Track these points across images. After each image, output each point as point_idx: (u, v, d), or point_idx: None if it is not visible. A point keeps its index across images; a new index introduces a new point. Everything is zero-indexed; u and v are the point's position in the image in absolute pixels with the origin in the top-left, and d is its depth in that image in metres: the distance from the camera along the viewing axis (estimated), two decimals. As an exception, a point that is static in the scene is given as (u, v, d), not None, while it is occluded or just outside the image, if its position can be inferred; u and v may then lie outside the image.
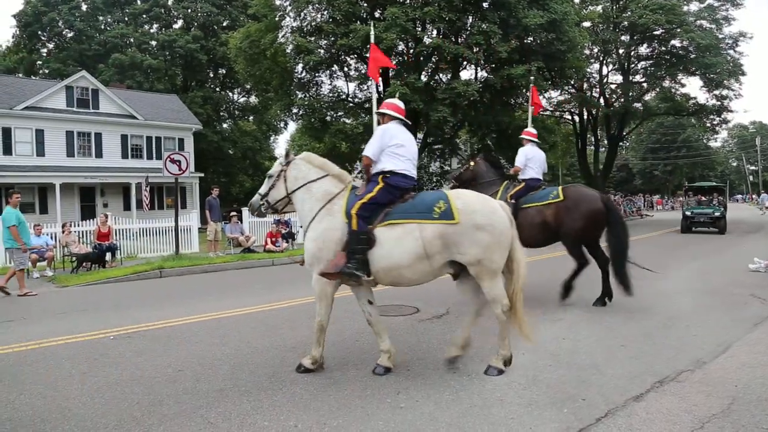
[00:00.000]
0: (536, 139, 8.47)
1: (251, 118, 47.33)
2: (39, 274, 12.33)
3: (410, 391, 4.35)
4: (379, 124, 5.30)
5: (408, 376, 4.71)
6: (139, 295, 9.70)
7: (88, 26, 40.58)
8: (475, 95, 20.28)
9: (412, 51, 22.54)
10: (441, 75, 23.39)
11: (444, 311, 7.30)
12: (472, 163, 8.68)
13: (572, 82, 31.43)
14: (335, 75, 24.58)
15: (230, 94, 47.05)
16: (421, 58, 22.45)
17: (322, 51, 22.31)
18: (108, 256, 13.70)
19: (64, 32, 41.27)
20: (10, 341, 6.27)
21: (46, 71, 40.61)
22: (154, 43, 41.69)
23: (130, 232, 16.83)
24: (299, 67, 23.71)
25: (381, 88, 23.86)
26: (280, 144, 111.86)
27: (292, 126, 44.66)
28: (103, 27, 42.17)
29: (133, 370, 5.06)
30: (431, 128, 23.63)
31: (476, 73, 24.03)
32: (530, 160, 8.04)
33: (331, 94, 25.50)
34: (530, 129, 8.90)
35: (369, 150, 4.89)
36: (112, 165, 28.70)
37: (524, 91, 23.47)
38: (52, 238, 13.90)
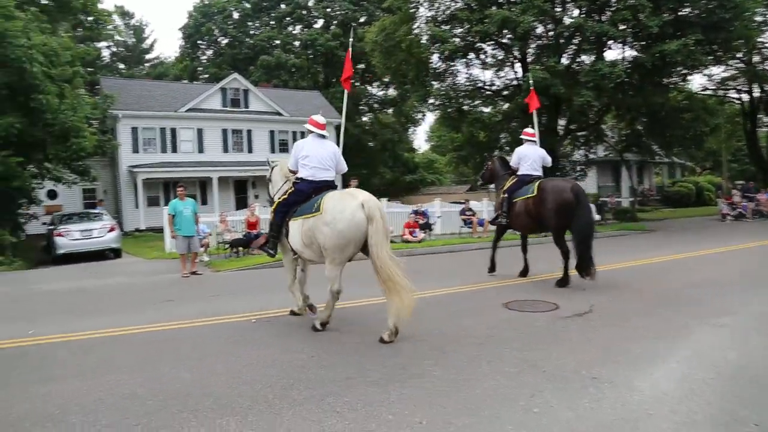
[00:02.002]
0: (534, 138, 9.41)
1: (390, 110, 48.18)
2: (198, 260, 13.48)
3: (545, 394, 3.99)
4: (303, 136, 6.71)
5: (543, 377, 4.34)
6: (284, 280, 10.13)
7: (240, 32, 43.99)
8: (622, 76, 18.70)
9: (551, 33, 21.39)
10: (583, 56, 21.90)
11: (586, 309, 6.73)
12: (489, 164, 10.18)
13: (740, 55, 27.76)
14: (471, 63, 24.04)
15: (369, 87, 48.25)
16: (562, 40, 21.21)
17: (457, 39, 21.92)
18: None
19: (219, 39, 45.10)
20: (168, 319, 6.86)
21: (205, 76, 44.65)
22: (297, 43, 44.05)
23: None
24: (434, 57, 23.54)
25: (519, 74, 23.01)
26: (419, 135, 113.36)
27: (431, 117, 44.74)
28: (251, 32, 45.32)
29: (269, 353, 5.24)
30: (574, 114, 22.28)
31: (623, 52, 22.19)
32: (523, 158, 9.00)
33: (467, 83, 25.02)
34: (528, 129, 9.71)
35: (289, 163, 6.43)
36: (262, 159, 30.69)
37: (680, 69, 21.26)
38: (209, 227, 15.11)
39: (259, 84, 35.98)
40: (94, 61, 53.01)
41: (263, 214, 17.49)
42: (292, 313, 6.88)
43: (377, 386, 4.23)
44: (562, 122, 24.12)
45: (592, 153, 27.63)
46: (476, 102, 23.77)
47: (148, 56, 57.94)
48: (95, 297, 9.26)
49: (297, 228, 5.95)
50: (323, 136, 6.33)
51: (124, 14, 54.11)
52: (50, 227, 17.52)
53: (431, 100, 24.48)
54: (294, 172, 6.38)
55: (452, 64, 23.42)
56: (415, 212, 16.93)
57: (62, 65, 14.75)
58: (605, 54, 21.50)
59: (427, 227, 17.04)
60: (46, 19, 17.52)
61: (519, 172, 9.07)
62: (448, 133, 32.44)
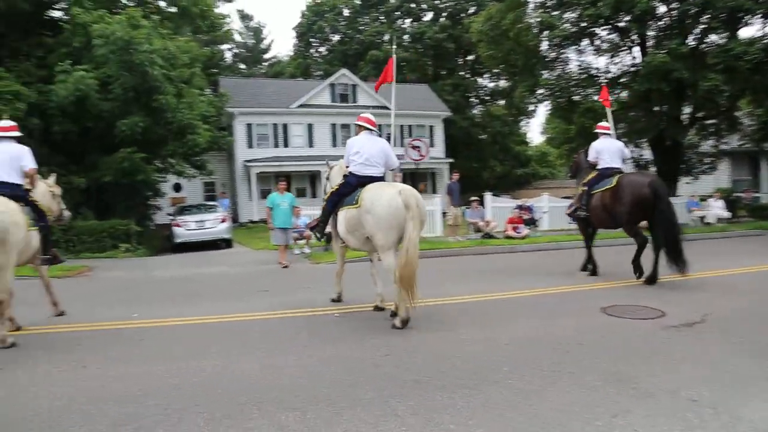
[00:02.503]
0: (609, 132, 9.31)
1: (502, 102, 46.97)
2: (299, 251, 13.90)
3: (630, 415, 3.52)
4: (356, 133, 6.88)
5: (631, 395, 3.86)
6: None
7: (350, 29, 44.92)
8: (759, 56, 16.66)
9: (675, 12, 19.55)
10: (712, 36, 19.77)
11: (698, 319, 5.98)
12: (576, 157, 10.26)
13: None
14: (584, 50, 22.66)
15: (479, 79, 47.34)
16: (687, 20, 19.32)
17: (568, 25, 20.74)
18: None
19: (330, 37, 46.40)
20: (258, 309, 7.05)
21: (319, 73, 46.16)
22: (406, 36, 44.16)
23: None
24: (544, 44, 22.49)
25: (638, 59, 21.32)
26: (533, 128, 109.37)
27: (544, 108, 43.05)
28: (361, 28, 46.11)
29: (345, 349, 5.18)
30: (700, 100, 20.25)
31: (764, 28, 19.73)
32: (601, 152, 8.89)
33: (579, 71, 23.64)
34: (603, 123, 9.62)
35: (344, 160, 6.85)
36: (369, 153, 31.26)
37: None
38: (311, 219, 15.50)
39: (368, 79, 36.52)
40: (217, 62, 56.88)
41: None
42: (376, 308, 6.81)
43: (445, 391, 4.01)
44: (688, 110, 22.06)
45: (723, 143, 24.94)
46: (589, 91, 22.34)
47: (266, 56, 60.93)
48: (199, 285, 9.80)
49: (342, 217, 6.45)
50: (371, 131, 6.72)
51: (244, 17, 57.16)
52: (171, 218, 18.97)
53: (540, 91, 23.41)
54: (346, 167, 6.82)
55: (563, 51, 22.21)
56: (520, 207, 16.27)
57: (180, 67, 15.84)
58: (739, 32, 19.29)
59: (532, 223, 16.32)
60: (171, 26, 18.90)
61: (599, 166, 8.95)
62: (559, 125, 30.93)
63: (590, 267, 9.23)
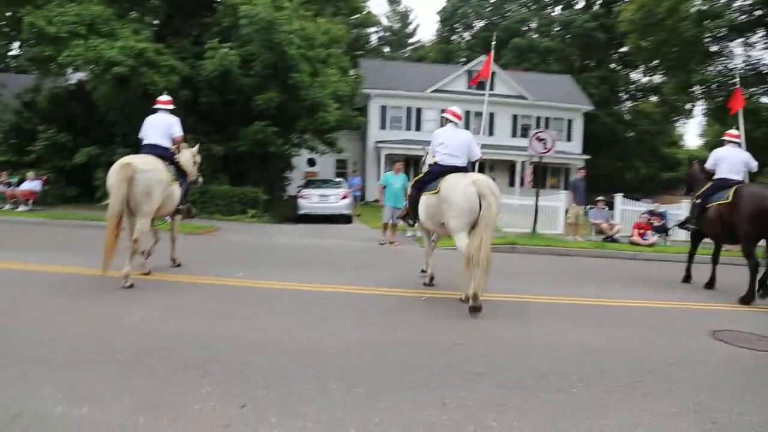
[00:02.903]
0: (738, 140, 8.61)
1: (655, 98, 43.31)
2: (412, 233, 14.00)
3: None
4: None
5: (705, 430, 3.44)
6: (497, 265, 9.87)
7: (495, 15, 43.85)
8: None
9: None
10: None
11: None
12: (689, 168, 9.94)
13: None
14: (752, 43, 20.12)
15: (631, 73, 44.04)
16: None
17: (738, 14, 18.53)
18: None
19: (473, 23, 45.68)
20: (353, 283, 7.27)
21: (463, 59, 45.74)
22: (554, 25, 42.19)
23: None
24: (706, 36, 20.32)
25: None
26: (690, 129, 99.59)
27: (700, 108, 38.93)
28: (507, 14, 44.82)
29: (417, 332, 5.17)
30: None
31: None
32: (720, 161, 8.24)
33: (746, 67, 21.08)
34: (732, 131, 8.81)
35: (430, 150, 7.26)
36: (501, 143, 30.57)
37: None
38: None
39: (508, 67, 35.57)
40: (363, 45, 58.56)
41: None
42: (462, 301, 6.69)
43: (503, 389, 3.84)
44: None
45: None
46: (753, 89, 19.84)
47: (410, 40, 61.61)
48: (307, 254, 10.28)
49: (423, 202, 6.79)
50: (457, 125, 7.04)
51: (392, 1, 58.08)
52: (298, 190, 20.06)
53: (695, 88, 21.24)
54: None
55: (726, 44, 19.92)
56: (651, 212, 14.99)
57: (318, 48, 16.55)
58: None
59: (663, 231, 14.99)
60: (314, 8, 19.76)
61: (715, 176, 8.32)
62: (713, 126, 27.87)
63: (684, 276, 9.00)
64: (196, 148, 8.98)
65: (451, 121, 7.01)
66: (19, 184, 14.71)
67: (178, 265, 7.83)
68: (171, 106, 7.76)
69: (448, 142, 6.75)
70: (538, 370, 4.25)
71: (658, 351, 4.99)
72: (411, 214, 7.53)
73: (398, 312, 5.92)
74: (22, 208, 14.10)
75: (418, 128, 30.21)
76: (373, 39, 61.24)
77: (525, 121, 31.24)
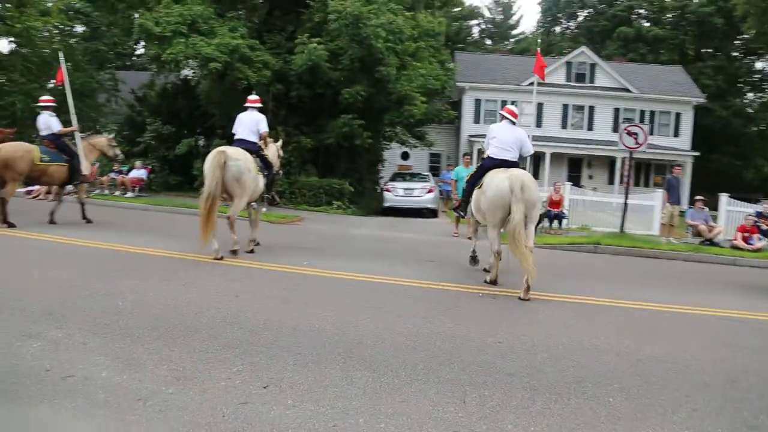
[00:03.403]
0: None
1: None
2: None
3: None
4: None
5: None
6: (565, 265, 9.56)
7: (601, 3, 41.59)
8: None
9: None
10: None
11: None
12: None
13: None
14: None
15: (756, 62, 40.12)
16: None
17: None
18: (555, 223, 14.15)
19: (577, 12, 43.63)
20: (414, 276, 7.25)
21: (564, 50, 43.99)
22: (665, 11, 39.32)
23: (586, 203, 16.82)
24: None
25: None
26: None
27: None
28: (613, 1, 42.38)
29: (461, 328, 5.10)
30: None
31: None
32: None
33: None
34: None
35: (485, 145, 7.55)
36: (601, 138, 29.14)
37: None
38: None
39: (612, 58, 33.72)
40: (464, 37, 57.84)
41: (575, 194, 16.75)
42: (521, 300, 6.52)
43: (531, 391, 3.67)
44: None
45: None
46: None
47: (513, 32, 60.06)
48: (378, 245, 10.42)
49: (474, 196, 7.25)
50: (513, 123, 7.29)
51: (495, -8, 56.93)
52: (386, 183, 20.29)
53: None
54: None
55: None
56: (759, 214, 13.63)
57: (407, 41, 16.60)
58: None
59: (772, 235, 13.62)
60: (408, 1, 19.82)
61: None
62: None
63: None
64: (280, 142, 9.90)
65: (506, 119, 7.31)
66: (128, 172, 16.08)
67: (251, 251, 8.23)
68: (259, 105, 8.68)
69: (501, 137, 7.12)
70: (575, 375, 4.06)
71: (724, 366, 4.58)
72: (463, 206, 7.91)
73: (447, 306, 5.87)
74: (129, 194, 15.41)
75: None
76: (475, 31, 60.52)
77: (628, 115, 29.43)
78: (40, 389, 3.34)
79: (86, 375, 3.55)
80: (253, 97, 8.79)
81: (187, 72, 19.43)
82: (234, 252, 7.80)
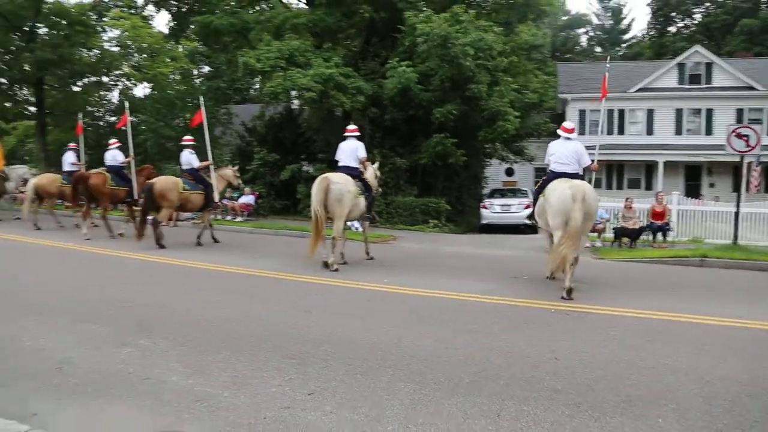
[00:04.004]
0: None
1: None
2: (590, 244, 13.23)
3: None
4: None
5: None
6: (657, 279, 9.09)
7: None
8: None
9: None
10: None
11: None
12: None
13: None
14: None
15: None
16: None
17: None
18: (658, 236, 13.33)
19: (691, 9, 40.74)
20: (485, 292, 7.25)
21: (679, 51, 41.29)
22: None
23: (698, 213, 15.61)
24: None
25: None
26: None
27: None
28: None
29: (517, 342, 5.09)
30: None
31: None
32: None
33: None
34: None
35: (546, 160, 8.21)
36: (722, 142, 26.76)
37: None
38: (607, 212, 14.50)
39: (734, 54, 31.07)
40: (572, 47, 56.05)
41: (684, 204, 15.64)
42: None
43: (573, 409, 3.62)
44: None
45: None
46: None
47: (625, 36, 57.31)
48: (462, 262, 10.46)
49: (539, 204, 7.99)
50: (568, 138, 7.97)
51: (602, -2, 54.80)
52: (484, 200, 20.17)
53: None
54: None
55: None
56: None
57: (497, 57, 16.56)
58: None
59: None
60: (502, 17, 19.83)
61: None
62: None
63: None
64: (377, 164, 10.90)
65: (561, 135, 8.06)
66: (238, 198, 17.40)
67: (344, 264, 8.77)
68: (357, 134, 9.95)
69: (558, 153, 7.88)
70: (628, 394, 3.92)
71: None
72: (532, 213, 8.85)
73: (513, 322, 5.86)
74: (239, 218, 16.67)
75: (621, 131, 28.00)
76: (583, 40, 58.48)
77: (754, 116, 26.80)
78: (121, 388, 3.88)
79: (160, 378, 4.05)
80: (351, 126, 10.06)
81: (297, 102, 20.67)
82: (326, 265, 8.81)
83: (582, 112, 28.28)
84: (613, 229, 13.54)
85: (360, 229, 11.35)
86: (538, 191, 8.23)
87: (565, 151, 7.82)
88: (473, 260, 10.81)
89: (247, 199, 17.47)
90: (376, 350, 4.78)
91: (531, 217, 9.25)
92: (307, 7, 21.18)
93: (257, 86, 18.48)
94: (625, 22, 56.23)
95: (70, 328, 5.34)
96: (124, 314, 5.82)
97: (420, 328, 5.52)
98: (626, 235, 13.10)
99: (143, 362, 4.38)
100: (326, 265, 8.75)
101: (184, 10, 22.16)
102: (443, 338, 5.17)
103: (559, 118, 29.76)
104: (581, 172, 7.98)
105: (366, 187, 9.66)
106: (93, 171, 13.18)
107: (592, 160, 8.44)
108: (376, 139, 17.76)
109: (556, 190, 7.32)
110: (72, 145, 15.56)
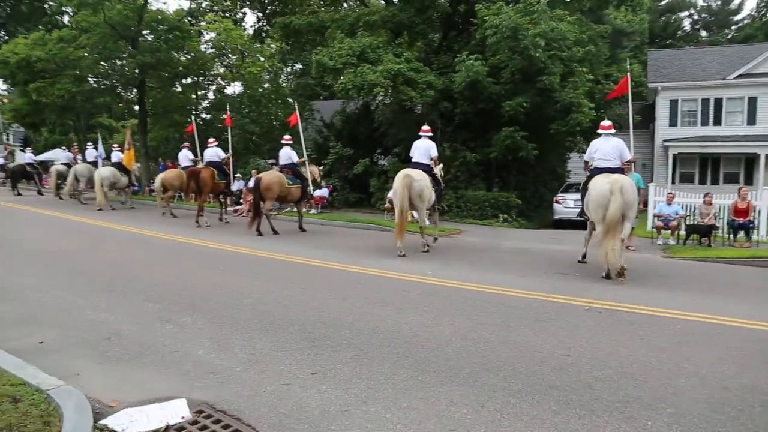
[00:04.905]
0: None
1: None
2: (662, 242, 12.65)
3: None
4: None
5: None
6: (729, 281, 8.57)
7: None
8: None
9: None
10: None
11: None
12: None
13: None
14: None
15: None
16: None
17: None
18: (740, 234, 12.48)
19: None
20: (529, 287, 7.26)
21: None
22: None
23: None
24: None
25: None
26: None
27: None
28: None
29: (542, 340, 5.16)
30: None
31: None
32: None
33: None
34: None
35: (586, 156, 9.11)
36: (840, 134, 24.39)
37: None
38: (683, 208, 13.69)
39: None
40: (673, 32, 52.70)
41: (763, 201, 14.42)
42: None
43: (584, 410, 3.63)
44: None
45: None
46: None
47: (736, 18, 53.07)
48: (519, 257, 10.36)
49: (585, 198, 8.52)
50: (610, 135, 8.54)
51: (708, -23, 51.02)
52: (557, 195, 19.60)
53: None
54: (587, 163, 9.14)
55: None
56: None
57: (572, 48, 16.02)
58: None
59: None
60: (584, 6, 19.18)
61: None
62: None
63: None
64: (441, 165, 11.89)
65: (603, 134, 8.60)
66: (313, 191, 18.10)
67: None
68: (431, 134, 11.00)
69: (602, 149, 8.45)
70: (627, 395, 3.90)
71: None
72: (581, 210, 9.13)
73: (539, 317, 5.87)
74: (313, 210, 17.36)
75: (717, 122, 26.04)
76: (686, 24, 54.83)
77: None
78: (152, 358, 4.42)
79: (187, 352, 4.56)
80: (425, 127, 11.07)
81: (380, 97, 21.08)
82: (426, 251, 10.32)
83: (673, 102, 26.66)
84: (686, 226, 12.84)
85: (428, 223, 11.77)
86: (584, 187, 8.73)
87: (608, 147, 8.40)
88: (528, 255, 10.70)
89: (322, 192, 18.16)
90: (392, 337, 5.03)
91: (582, 213, 9.26)
92: (383, 2, 21.55)
93: (328, 83, 18.98)
94: (736, 1, 52.12)
95: (131, 305, 6.03)
96: (181, 295, 6.46)
97: (443, 318, 5.70)
98: (696, 232, 12.38)
99: (178, 337, 4.91)
100: (427, 251, 10.36)
101: (268, 11, 23.25)
102: (460, 329, 5.33)
103: (649, 109, 28.32)
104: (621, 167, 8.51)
105: (436, 182, 10.76)
106: (200, 167, 14.86)
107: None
108: (447, 133, 17.82)
109: (597, 185, 7.98)
110: (186, 144, 17.93)
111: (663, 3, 53.56)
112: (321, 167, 15.98)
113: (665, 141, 26.24)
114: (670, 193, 13.61)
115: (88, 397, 3.48)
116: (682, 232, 12.92)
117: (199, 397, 3.70)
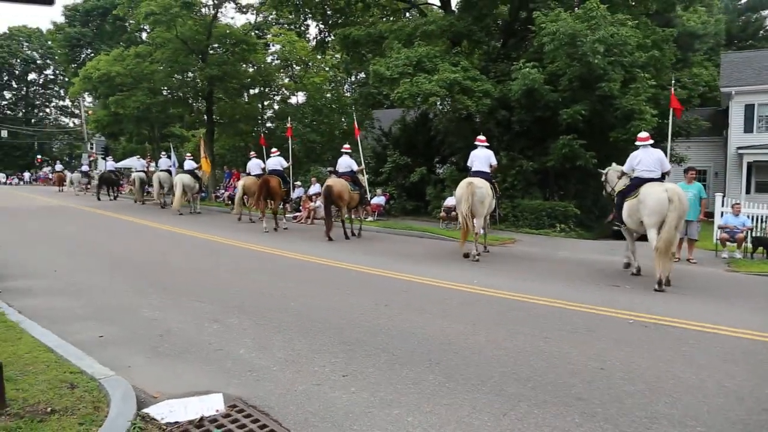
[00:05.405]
0: None
1: None
2: (727, 255, 12.08)
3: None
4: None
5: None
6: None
7: None
8: None
9: None
10: None
11: None
12: None
13: None
14: None
15: None
16: None
17: None
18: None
19: None
20: (571, 299, 7.18)
21: None
22: None
23: None
24: None
25: None
26: None
27: None
28: None
29: (579, 352, 5.12)
30: None
31: None
32: None
33: None
34: None
35: (625, 167, 9.31)
36: None
37: None
38: (752, 219, 13.00)
39: None
40: (755, 32, 49.87)
41: None
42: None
43: (602, 421, 3.66)
44: None
45: None
46: None
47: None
48: (569, 268, 10.15)
49: (626, 206, 8.74)
50: (647, 146, 8.85)
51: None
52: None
53: None
54: (623, 174, 9.56)
55: None
56: None
57: (634, 53, 15.55)
58: None
59: None
60: (650, 9, 18.61)
61: None
62: None
63: None
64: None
65: (641, 146, 8.88)
66: (370, 199, 18.40)
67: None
68: (487, 144, 11.53)
69: (644, 160, 8.72)
70: (656, 411, 3.85)
71: None
72: (617, 217, 9.22)
73: (578, 329, 5.82)
74: (370, 218, 17.64)
75: (749, 130, 24.62)
76: (768, 23, 51.69)
77: None
78: (198, 355, 4.75)
79: (230, 350, 4.86)
80: (481, 137, 11.54)
81: (439, 107, 21.24)
82: (477, 260, 10.48)
83: (749, 107, 25.28)
84: (753, 238, 12.20)
85: (481, 232, 11.59)
86: (623, 195, 8.99)
87: (650, 159, 8.69)
88: (581, 266, 10.48)
89: (379, 200, 18.43)
90: (426, 344, 5.15)
91: (616, 221, 9.43)
92: (443, 12, 21.66)
93: (385, 92, 19.28)
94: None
95: (184, 305, 6.45)
96: (232, 297, 6.84)
97: (479, 327, 5.76)
98: (761, 245, 11.75)
99: (224, 336, 5.23)
100: (466, 255, 10.59)
101: (330, 23, 23.90)
102: (495, 338, 5.38)
103: (722, 114, 26.98)
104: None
105: (495, 190, 11.30)
106: (268, 175, 15.68)
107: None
108: (504, 142, 17.67)
109: (652, 193, 8.16)
110: (252, 153, 19.38)
111: (743, 1, 50.89)
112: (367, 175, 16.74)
113: (739, 148, 24.91)
114: (736, 204, 12.96)
115: (134, 388, 3.82)
116: (749, 245, 12.29)
117: (235, 392, 3.96)
